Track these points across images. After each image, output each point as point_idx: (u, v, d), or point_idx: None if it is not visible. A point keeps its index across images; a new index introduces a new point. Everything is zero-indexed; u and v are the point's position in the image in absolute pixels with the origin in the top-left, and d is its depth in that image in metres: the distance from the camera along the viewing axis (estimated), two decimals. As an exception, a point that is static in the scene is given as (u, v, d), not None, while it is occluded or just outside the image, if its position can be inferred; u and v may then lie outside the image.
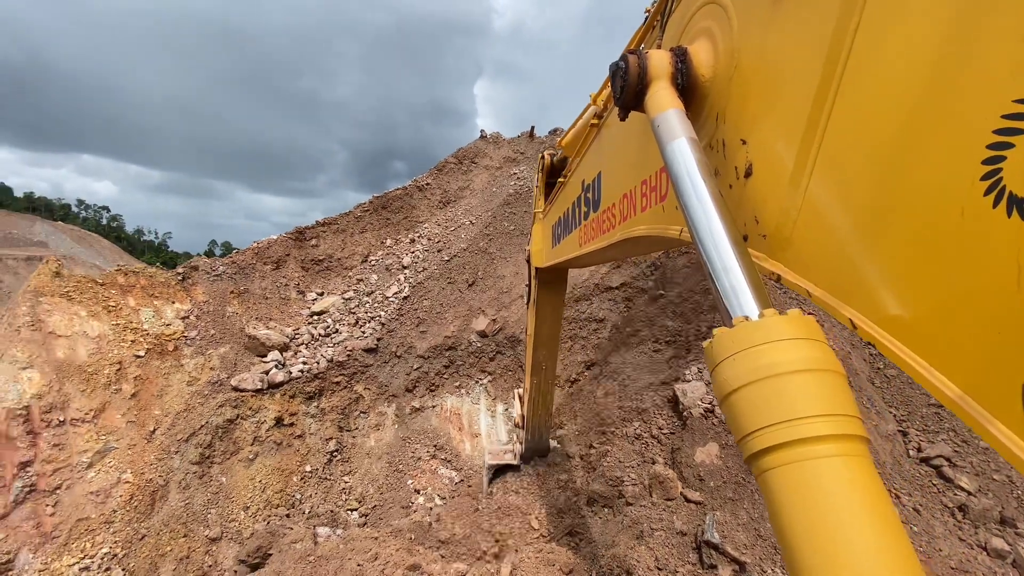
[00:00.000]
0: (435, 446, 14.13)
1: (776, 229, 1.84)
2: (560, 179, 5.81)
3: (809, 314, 1.46)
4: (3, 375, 11.04)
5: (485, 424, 14.84)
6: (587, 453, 10.16)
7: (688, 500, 7.55)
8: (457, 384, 15.41)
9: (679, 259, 13.32)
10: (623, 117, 2.53)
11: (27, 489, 10.68)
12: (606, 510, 8.54)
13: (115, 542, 10.57)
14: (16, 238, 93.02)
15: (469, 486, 11.54)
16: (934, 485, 8.01)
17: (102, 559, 10.46)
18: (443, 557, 8.11)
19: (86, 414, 11.29)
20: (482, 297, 16.32)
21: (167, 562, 10.47)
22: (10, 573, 10.25)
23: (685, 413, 8.94)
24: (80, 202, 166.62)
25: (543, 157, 6.67)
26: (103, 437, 11.32)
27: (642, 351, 13.33)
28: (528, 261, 7.57)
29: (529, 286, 7.77)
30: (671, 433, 9.06)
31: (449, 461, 14.07)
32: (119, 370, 12.05)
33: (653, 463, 8.70)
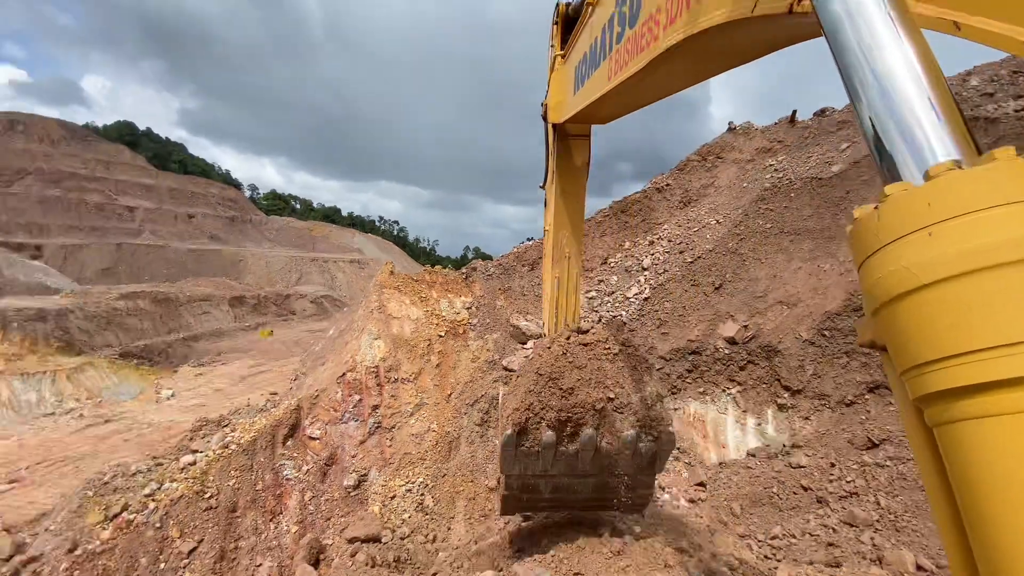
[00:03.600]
0: (678, 448, 14.17)
1: None
2: (588, 3, 4.83)
3: None
4: (364, 343, 15.71)
5: (733, 436, 14.16)
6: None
7: None
8: (701, 390, 15.08)
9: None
10: None
11: (375, 425, 14.97)
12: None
13: (427, 475, 13.96)
14: (344, 246, 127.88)
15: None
16: None
17: (419, 486, 13.95)
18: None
19: (410, 376, 15.19)
20: (731, 301, 15.57)
21: (460, 499, 13.30)
22: (364, 483, 14.53)
23: None
24: (381, 218, 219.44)
25: (558, 5, 5.92)
26: (419, 395, 15.05)
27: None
28: (544, 119, 6.43)
29: (547, 156, 6.59)
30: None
31: (692, 465, 13.95)
32: (429, 345, 15.79)
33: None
